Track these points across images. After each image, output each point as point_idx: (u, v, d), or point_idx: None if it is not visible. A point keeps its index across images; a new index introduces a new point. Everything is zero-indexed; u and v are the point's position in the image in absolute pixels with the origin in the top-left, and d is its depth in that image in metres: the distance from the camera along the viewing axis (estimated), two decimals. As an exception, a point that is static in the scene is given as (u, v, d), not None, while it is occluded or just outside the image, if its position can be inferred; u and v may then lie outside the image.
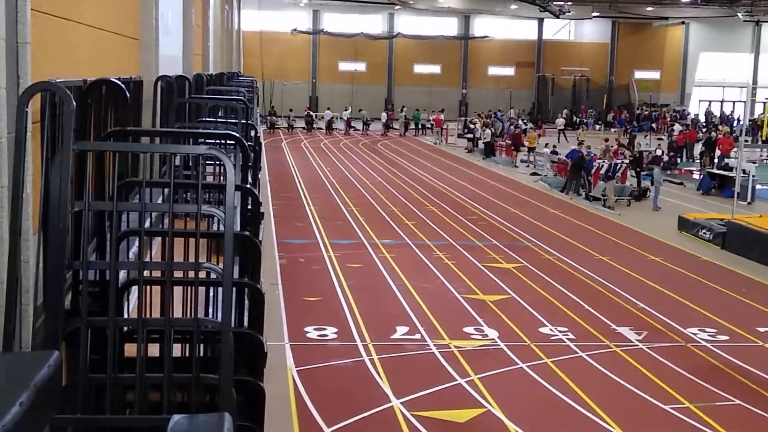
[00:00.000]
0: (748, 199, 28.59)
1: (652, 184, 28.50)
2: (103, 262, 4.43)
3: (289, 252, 19.82)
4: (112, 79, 5.04)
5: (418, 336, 13.99)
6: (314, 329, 14.15)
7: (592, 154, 31.13)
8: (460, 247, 20.98)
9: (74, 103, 3.76)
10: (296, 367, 12.41)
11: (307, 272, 18.17)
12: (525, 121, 55.87)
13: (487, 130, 44.48)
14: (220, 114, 11.10)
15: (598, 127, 62.59)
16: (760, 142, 50.23)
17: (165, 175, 8.33)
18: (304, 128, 54.97)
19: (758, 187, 30.29)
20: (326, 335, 13.94)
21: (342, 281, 17.37)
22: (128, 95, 5.43)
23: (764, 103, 63.58)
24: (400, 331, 14.23)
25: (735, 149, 35.53)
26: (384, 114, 58.08)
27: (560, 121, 56.11)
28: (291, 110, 55.74)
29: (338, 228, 23.12)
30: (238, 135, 5.66)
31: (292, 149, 44.61)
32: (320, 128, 56.06)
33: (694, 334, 14.57)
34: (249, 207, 6.28)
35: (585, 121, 63.53)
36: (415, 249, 20.66)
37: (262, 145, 23.82)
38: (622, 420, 10.83)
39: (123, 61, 8.39)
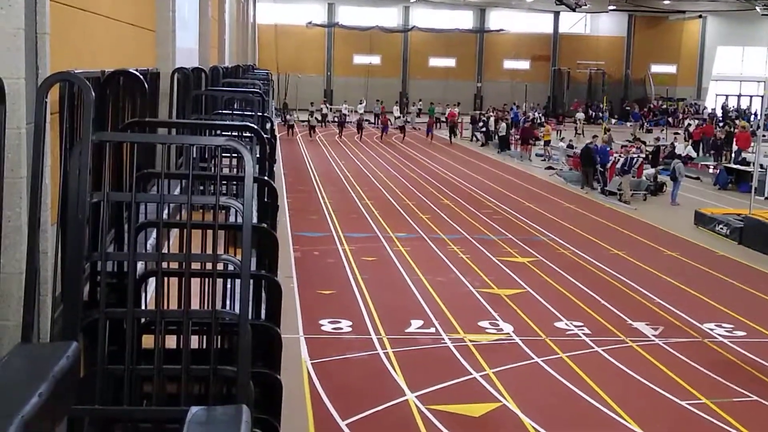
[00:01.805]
0: (766, 194, 28.40)
1: (672, 179, 28.28)
2: (121, 254, 4.43)
3: (303, 245, 19.83)
4: (131, 70, 5.04)
5: (432, 330, 13.97)
6: (329, 322, 14.15)
7: (608, 149, 30.98)
8: (475, 241, 20.94)
9: (93, 93, 3.75)
10: (311, 360, 12.41)
11: (321, 265, 18.18)
12: (539, 114, 55.66)
13: (503, 124, 44.36)
14: (235, 106, 11.09)
15: (614, 121, 62.28)
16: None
17: (182, 167, 8.33)
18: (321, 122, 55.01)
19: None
20: (341, 328, 13.94)
21: (357, 274, 17.36)
22: (146, 86, 5.43)
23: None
24: (415, 324, 14.21)
25: (753, 144, 35.30)
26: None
27: (580, 116, 55.84)
28: (312, 103, 55.58)
29: (353, 221, 23.12)
30: (255, 126, 5.65)
31: (306, 142, 44.62)
32: (334, 122, 56.00)
33: (711, 330, 14.49)
34: (265, 200, 6.27)
35: (601, 115, 63.24)
36: (430, 242, 20.63)
37: (277, 137, 23.84)
38: (638, 415, 10.78)
39: (140, 53, 8.39)
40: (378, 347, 13.06)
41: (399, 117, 52.92)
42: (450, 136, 48.04)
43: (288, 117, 52.00)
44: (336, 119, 51.14)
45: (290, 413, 9.41)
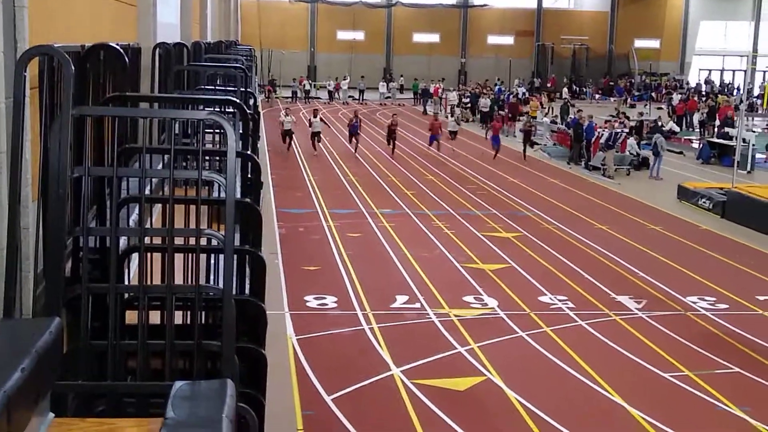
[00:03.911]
0: (748, 168, 28.54)
1: (654, 153, 28.38)
2: (103, 228, 4.40)
3: (288, 221, 19.80)
4: (111, 44, 4.99)
5: (417, 305, 14.01)
6: (314, 298, 14.16)
7: (594, 123, 31.02)
8: (460, 217, 20.96)
9: (73, 67, 3.71)
10: (296, 336, 12.43)
11: (306, 242, 18.17)
12: (525, 90, 55.61)
13: (485, 100, 44.27)
14: (218, 83, 11.02)
15: (597, 96, 62.32)
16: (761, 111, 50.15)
17: (164, 144, 8.28)
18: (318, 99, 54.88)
19: (758, 155, 30.24)
20: (326, 304, 13.95)
21: (341, 250, 17.37)
22: (127, 61, 5.38)
23: (765, 71, 63.41)
24: (400, 300, 14.24)
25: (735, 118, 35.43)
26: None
27: (566, 91, 55.81)
28: (294, 79, 55.18)
29: (337, 197, 23.09)
30: (238, 101, 5.62)
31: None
32: (318, 97, 55.84)
33: (694, 303, 14.59)
34: (249, 176, 6.24)
35: (584, 90, 63.32)
36: (415, 218, 20.64)
37: (261, 114, 23.72)
38: (622, 388, 10.86)
39: (120, 28, 8.31)
40: (363, 323, 13.09)
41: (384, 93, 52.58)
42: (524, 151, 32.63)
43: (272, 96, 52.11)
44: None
45: (276, 389, 9.42)
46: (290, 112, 32.67)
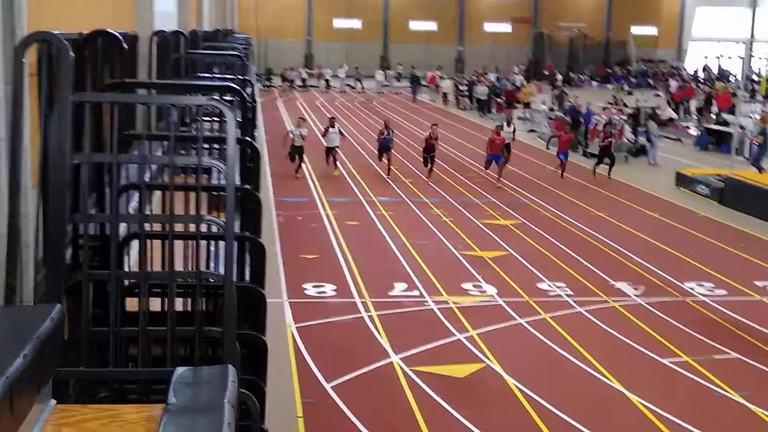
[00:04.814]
0: (746, 154, 28.51)
1: (648, 140, 28.40)
2: (103, 215, 4.39)
3: (286, 210, 19.79)
4: (110, 31, 4.97)
5: (416, 293, 14.02)
6: (313, 286, 14.17)
7: (592, 111, 30.99)
8: (458, 204, 20.96)
9: (72, 53, 3.69)
10: (295, 324, 12.44)
11: (304, 230, 18.16)
12: (522, 77, 55.49)
13: (482, 87, 44.20)
14: (215, 71, 10.98)
15: (594, 83, 62.25)
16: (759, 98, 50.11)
17: (162, 131, 8.25)
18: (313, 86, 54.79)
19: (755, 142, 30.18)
20: (325, 292, 13.96)
21: (340, 239, 17.36)
22: (125, 47, 5.37)
23: (762, 58, 63.31)
24: (399, 287, 14.25)
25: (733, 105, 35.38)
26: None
27: (559, 78, 55.79)
28: (292, 68, 55.11)
29: (335, 186, 23.06)
30: (237, 87, 5.60)
31: (288, 108, 44.36)
32: (315, 86, 55.79)
33: (692, 289, 14.61)
34: (248, 164, 6.23)
35: (582, 77, 63.24)
36: (413, 206, 20.64)
37: (258, 102, 23.69)
38: (621, 374, 10.88)
39: (118, 16, 8.28)
40: (362, 310, 13.09)
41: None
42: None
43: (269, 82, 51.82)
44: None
45: (275, 377, 9.43)
46: (302, 123, 25.05)
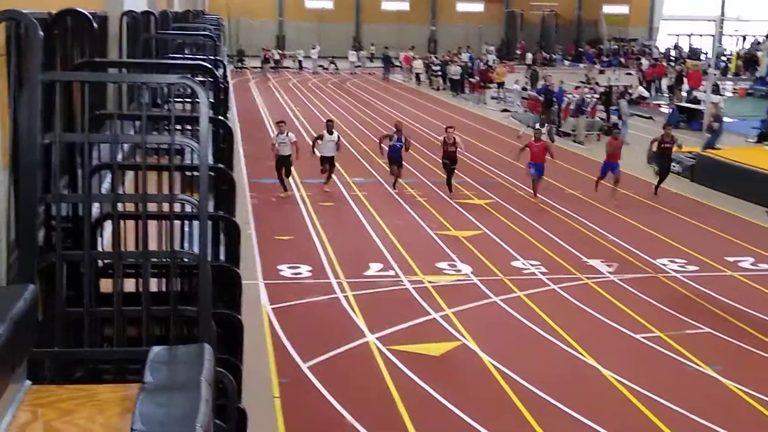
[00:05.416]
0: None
1: (620, 118, 28.57)
2: (76, 195, 4.36)
3: (260, 192, 19.73)
4: (79, 10, 4.92)
5: (391, 272, 14.05)
6: (288, 267, 14.16)
7: (564, 90, 31.09)
8: (432, 185, 20.98)
9: (41, 32, 3.65)
10: (271, 305, 12.44)
11: (279, 211, 18.13)
12: (494, 57, 55.49)
13: (455, 67, 44.20)
14: (186, 52, 10.89)
15: (566, 63, 62.40)
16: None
17: (134, 111, 8.19)
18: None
19: (726, 119, 30.42)
20: (300, 273, 13.96)
21: (314, 220, 17.36)
22: (96, 26, 5.31)
23: (732, 36, 63.70)
24: (374, 267, 14.28)
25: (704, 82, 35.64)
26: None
27: (530, 56, 55.88)
28: (263, 49, 54.81)
29: (309, 167, 22.97)
30: (208, 65, 5.57)
31: (261, 89, 44.14)
32: (288, 67, 55.54)
33: (664, 265, 14.76)
34: (221, 145, 6.19)
35: (554, 57, 63.36)
36: (387, 186, 20.63)
37: (230, 84, 23.52)
38: (595, 350, 10.99)
39: (87, -4, 8.17)
40: (338, 291, 13.11)
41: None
42: None
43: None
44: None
45: (251, 358, 9.44)
46: (285, 127, 20.13)
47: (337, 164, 20.60)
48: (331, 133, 19.92)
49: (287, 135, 19.53)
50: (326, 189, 20.05)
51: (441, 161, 20.38)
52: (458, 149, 19.93)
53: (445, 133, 20.38)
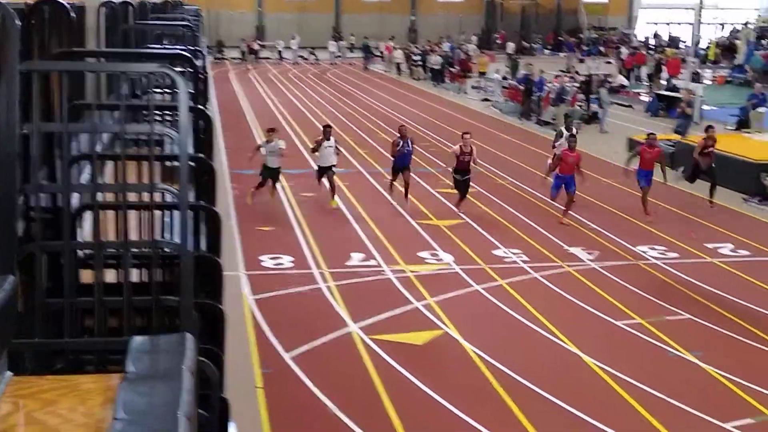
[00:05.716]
0: (695, 119, 28.89)
1: (600, 106, 28.70)
2: (55, 185, 4.33)
3: (241, 183, 19.66)
4: (56, 0, 4.88)
5: (373, 262, 14.07)
6: (270, 258, 14.15)
7: (544, 79, 31.17)
8: (414, 174, 20.93)
9: (19, 21, 3.62)
10: (253, 296, 12.42)
11: (260, 202, 18.06)
12: (474, 47, 55.49)
13: (436, 57, 44.20)
14: (165, 42, 10.83)
15: (546, 52, 62.52)
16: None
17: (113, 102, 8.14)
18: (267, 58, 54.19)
19: (705, 107, 30.62)
20: (282, 264, 13.95)
21: (296, 210, 17.33)
22: (73, 16, 5.27)
23: (710, 24, 64.02)
24: (356, 257, 14.28)
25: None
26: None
27: (511, 45, 55.95)
28: (243, 39, 54.66)
29: (290, 158, 22.90)
30: (187, 54, 5.54)
31: (241, 80, 43.97)
32: (267, 57, 55.36)
33: (645, 253, 14.85)
34: (201, 135, 6.17)
35: (534, 46, 63.45)
36: (368, 177, 20.64)
37: (210, 75, 23.41)
38: (576, 337, 11.05)
39: (64, -14, 8.10)
40: (320, 281, 13.11)
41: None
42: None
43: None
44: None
45: (234, 349, 9.42)
46: (275, 133, 17.88)
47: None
48: (328, 139, 17.71)
49: (276, 143, 17.35)
50: (333, 206, 17.57)
51: (452, 176, 17.58)
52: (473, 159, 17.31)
53: (462, 140, 17.32)
